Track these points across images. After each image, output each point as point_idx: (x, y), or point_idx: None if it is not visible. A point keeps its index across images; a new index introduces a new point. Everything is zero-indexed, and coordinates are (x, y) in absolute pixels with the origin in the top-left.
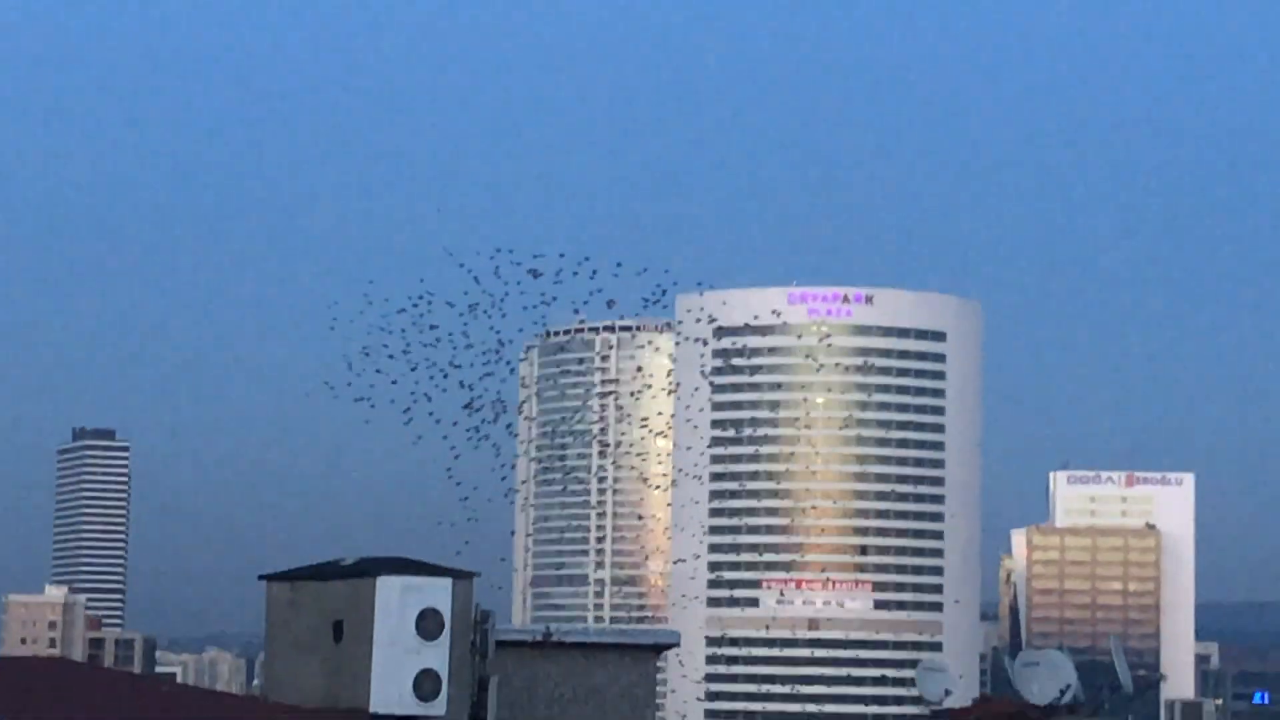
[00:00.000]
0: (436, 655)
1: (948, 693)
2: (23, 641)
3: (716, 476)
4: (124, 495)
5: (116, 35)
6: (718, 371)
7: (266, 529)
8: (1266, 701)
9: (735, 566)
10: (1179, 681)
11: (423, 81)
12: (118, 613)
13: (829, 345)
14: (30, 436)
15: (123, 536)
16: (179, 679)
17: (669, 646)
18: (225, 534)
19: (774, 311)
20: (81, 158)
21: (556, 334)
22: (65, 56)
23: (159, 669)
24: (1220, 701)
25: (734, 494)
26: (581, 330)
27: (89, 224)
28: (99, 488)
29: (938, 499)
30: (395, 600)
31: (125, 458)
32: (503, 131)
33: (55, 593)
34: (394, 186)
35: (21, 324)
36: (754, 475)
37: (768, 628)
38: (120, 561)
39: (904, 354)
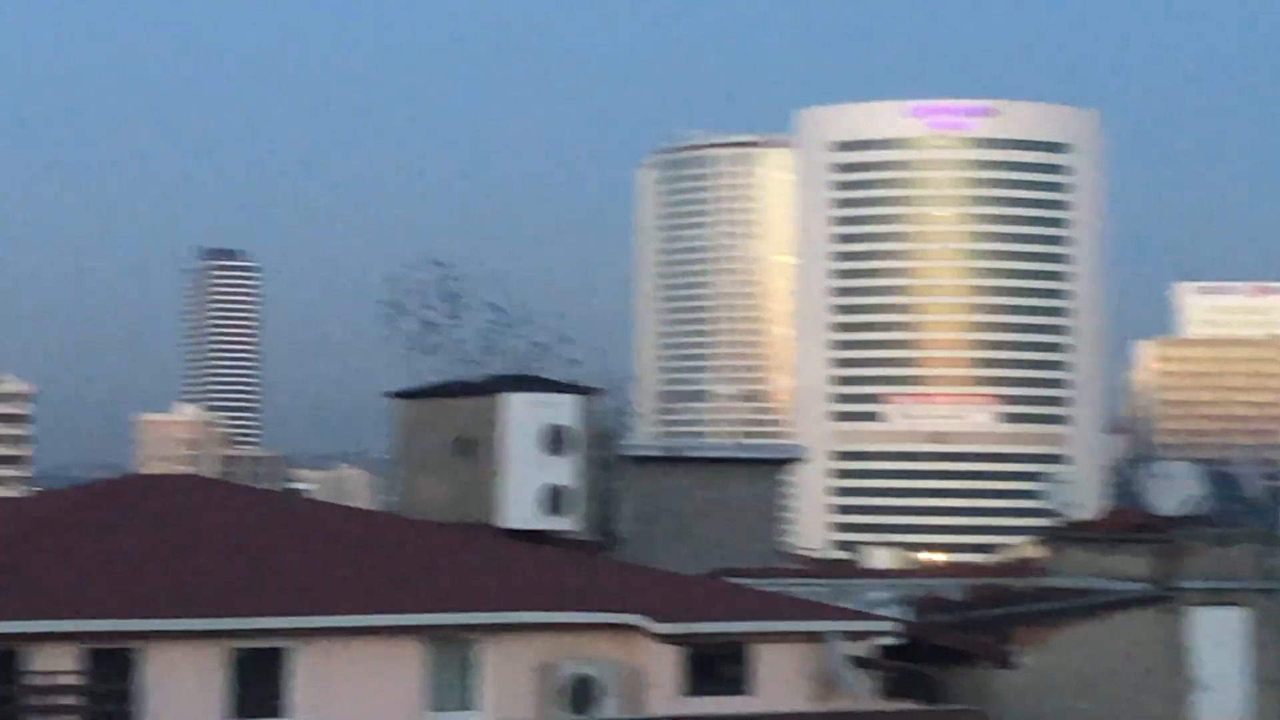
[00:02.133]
0: (564, 470)
1: (1073, 505)
2: (157, 460)
3: (838, 292)
4: (254, 314)
5: None
6: (838, 186)
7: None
8: None
9: (858, 381)
10: None
11: None
12: (251, 431)
13: (950, 159)
14: (160, 256)
15: (254, 356)
16: (312, 495)
17: (794, 461)
18: (356, 352)
19: (895, 125)
20: None
21: (675, 150)
22: None
23: (292, 486)
24: None
25: (856, 309)
26: (700, 146)
27: (213, 43)
28: (229, 307)
29: (1062, 312)
30: (523, 416)
31: (255, 277)
32: None
33: (188, 411)
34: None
35: (149, 145)
36: (876, 290)
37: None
38: (252, 381)
39: (1026, 166)
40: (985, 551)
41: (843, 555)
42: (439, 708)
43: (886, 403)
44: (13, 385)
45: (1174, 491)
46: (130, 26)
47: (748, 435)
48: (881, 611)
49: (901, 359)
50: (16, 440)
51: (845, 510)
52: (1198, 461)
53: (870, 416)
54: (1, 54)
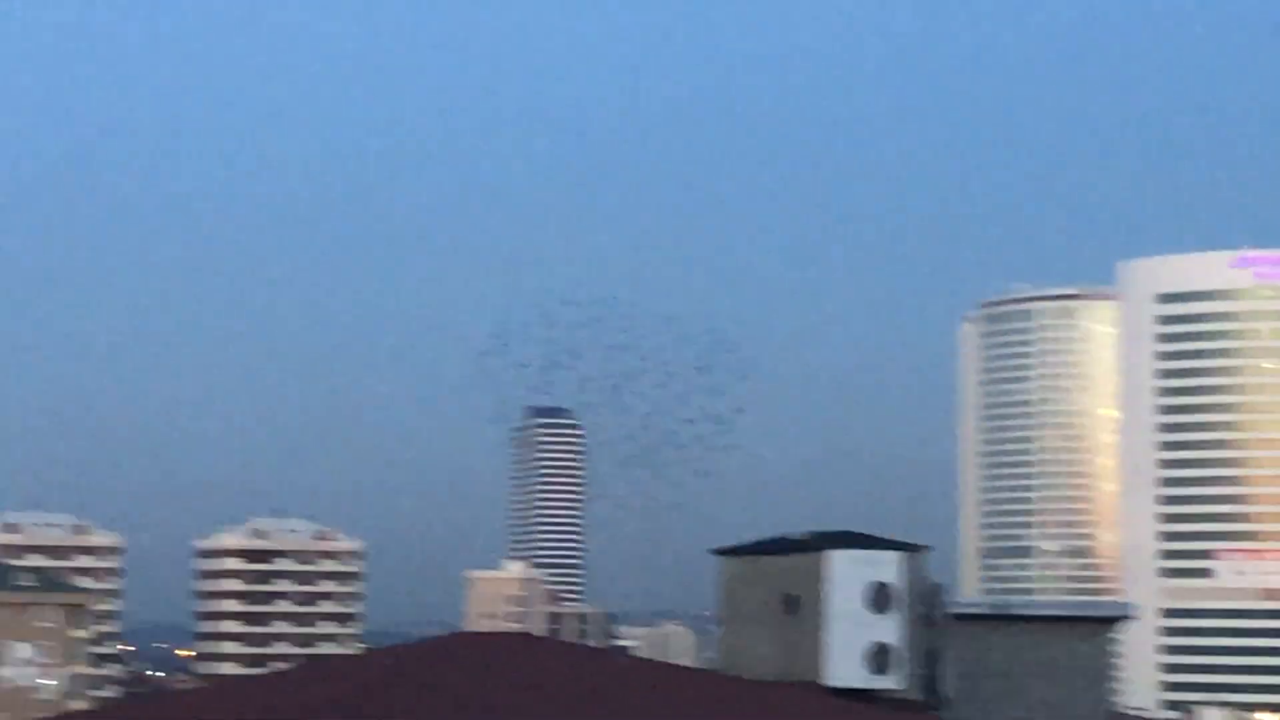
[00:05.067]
0: (889, 628)
1: None
2: (485, 617)
3: (1164, 445)
4: (579, 473)
5: None
6: (1163, 339)
7: (719, 504)
8: None
9: (1187, 537)
10: None
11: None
12: (576, 588)
13: (1277, 309)
14: (482, 419)
15: (579, 514)
16: (636, 652)
17: (1123, 619)
18: (679, 509)
19: (1220, 276)
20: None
21: (996, 303)
22: None
23: (616, 643)
24: None
25: (1183, 463)
26: (1021, 299)
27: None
28: (554, 466)
29: None
30: (847, 574)
31: (579, 436)
32: (940, 90)
33: (515, 568)
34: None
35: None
36: (1203, 444)
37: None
38: (577, 538)
39: None
40: None
41: (1174, 714)
42: None
43: (1216, 558)
44: (344, 543)
45: None
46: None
47: (1074, 592)
48: None
49: (1231, 514)
50: (348, 598)
51: (1175, 669)
52: None
53: (1200, 573)
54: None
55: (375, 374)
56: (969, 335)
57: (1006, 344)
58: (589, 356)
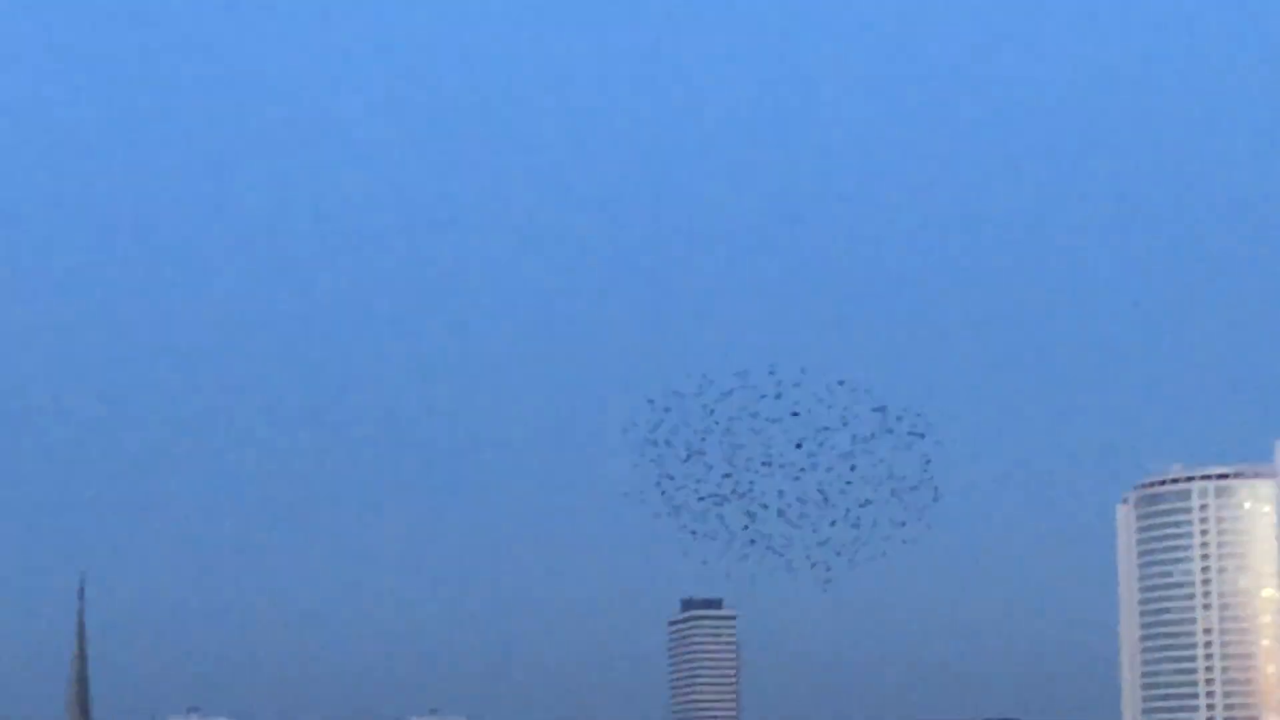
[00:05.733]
0: None
1: None
2: None
3: None
4: (733, 664)
5: None
6: None
7: (871, 693)
8: None
9: None
10: None
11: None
12: None
13: None
14: (644, 609)
15: (733, 705)
16: None
17: None
18: (833, 700)
19: None
20: None
21: (1152, 484)
22: None
23: None
24: None
25: None
26: (1179, 479)
27: None
28: (709, 657)
29: None
30: None
31: (733, 628)
32: (1094, 272)
33: None
34: None
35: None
36: None
37: None
38: None
39: None
40: None
41: None
42: None
43: None
44: None
45: None
46: None
47: None
48: None
49: None
50: None
51: None
52: None
53: None
54: None
55: (541, 562)
56: (1126, 516)
57: (1164, 524)
58: (746, 430)
